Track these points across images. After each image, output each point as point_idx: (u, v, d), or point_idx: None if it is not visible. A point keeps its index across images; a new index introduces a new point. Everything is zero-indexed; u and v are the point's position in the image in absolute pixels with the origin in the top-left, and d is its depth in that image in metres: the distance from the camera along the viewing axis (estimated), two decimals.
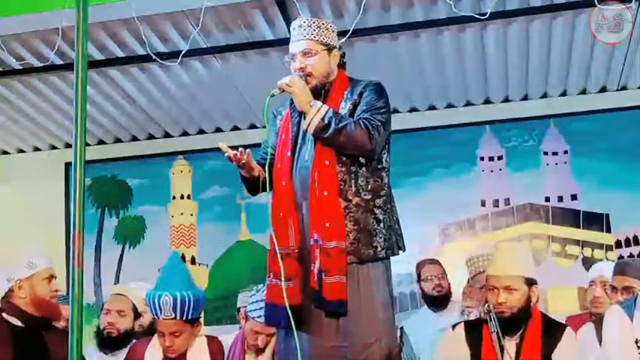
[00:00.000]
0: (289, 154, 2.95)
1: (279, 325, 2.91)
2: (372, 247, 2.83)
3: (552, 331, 3.28)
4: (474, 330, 3.33)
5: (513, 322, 3.23)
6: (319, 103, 2.87)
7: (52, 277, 3.41)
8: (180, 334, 3.38)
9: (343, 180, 2.83)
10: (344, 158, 2.85)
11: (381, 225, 2.86)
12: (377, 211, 2.86)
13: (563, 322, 3.87)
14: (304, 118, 2.89)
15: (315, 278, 2.77)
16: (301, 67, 2.93)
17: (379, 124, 2.84)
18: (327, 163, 2.83)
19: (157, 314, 3.39)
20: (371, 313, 2.82)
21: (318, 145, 2.87)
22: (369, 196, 2.85)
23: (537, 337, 3.23)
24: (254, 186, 3.01)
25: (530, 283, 3.29)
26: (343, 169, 2.84)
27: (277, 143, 3.01)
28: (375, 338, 2.81)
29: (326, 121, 2.80)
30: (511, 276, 3.26)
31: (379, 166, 2.92)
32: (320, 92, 2.95)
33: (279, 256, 2.82)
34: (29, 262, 3.35)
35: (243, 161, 2.88)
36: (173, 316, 3.34)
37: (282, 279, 2.80)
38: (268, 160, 2.93)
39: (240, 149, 2.89)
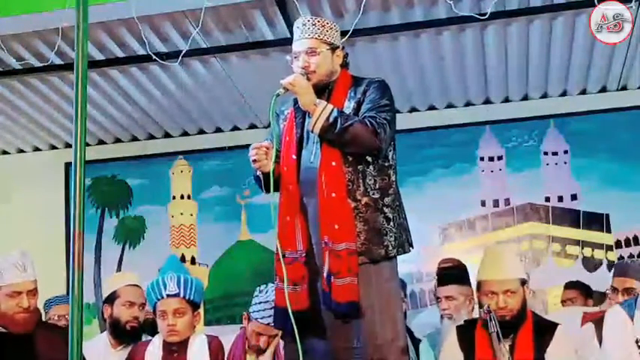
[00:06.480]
0: (294, 156, 2.91)
1: (284, 329, 2.89)
2: (383, 247, 2.79)
3: (544, 330, 3.27)
4: (466, 333, 3.33)
5: (511, 325, 3.22)
6: (324, 102, 2.81)
7: (16, 293, 3.19)
8: (182, 315, 3.42)
9: (351, 180, 2.79)
10: (350, 158, 2.81)
11: (391, 224, 2.82)
12: (386, 209, 2.82)
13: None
14: (309, 117, 2.85)
15: (325, 281, 2.74)
16: (305, 65, 2.88)
17: (384, 121, 2.80)
18: (333, 164, 2.78)
19: (160, 294, 3.42)
20: (386, 313, 2.78)
21: (324, 146, 2.82)
22: (377, 195, 2.81)
23: (529, 337, 3.23)
24: (268, 182, 2.91)
25: (523, 283, 3.30)
26: (350, 168, 2.80)
27: (282, 145, 2.96)
28: (392, 337, 2.78)
29: (331, 121, 2.75)
30: (509, 279, 3.26)
31: (386, 164, 2.87)
32: (323, 91, 2.91)
33: (282, 261, 2.79)
34: None
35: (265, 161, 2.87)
36: (177, 291, 3.41)
37: (285, 284, 2.78)
38: (274, 159, 2.88)
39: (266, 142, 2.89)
